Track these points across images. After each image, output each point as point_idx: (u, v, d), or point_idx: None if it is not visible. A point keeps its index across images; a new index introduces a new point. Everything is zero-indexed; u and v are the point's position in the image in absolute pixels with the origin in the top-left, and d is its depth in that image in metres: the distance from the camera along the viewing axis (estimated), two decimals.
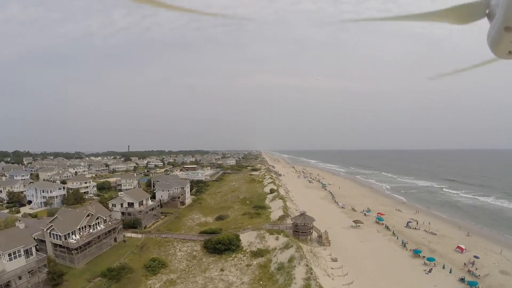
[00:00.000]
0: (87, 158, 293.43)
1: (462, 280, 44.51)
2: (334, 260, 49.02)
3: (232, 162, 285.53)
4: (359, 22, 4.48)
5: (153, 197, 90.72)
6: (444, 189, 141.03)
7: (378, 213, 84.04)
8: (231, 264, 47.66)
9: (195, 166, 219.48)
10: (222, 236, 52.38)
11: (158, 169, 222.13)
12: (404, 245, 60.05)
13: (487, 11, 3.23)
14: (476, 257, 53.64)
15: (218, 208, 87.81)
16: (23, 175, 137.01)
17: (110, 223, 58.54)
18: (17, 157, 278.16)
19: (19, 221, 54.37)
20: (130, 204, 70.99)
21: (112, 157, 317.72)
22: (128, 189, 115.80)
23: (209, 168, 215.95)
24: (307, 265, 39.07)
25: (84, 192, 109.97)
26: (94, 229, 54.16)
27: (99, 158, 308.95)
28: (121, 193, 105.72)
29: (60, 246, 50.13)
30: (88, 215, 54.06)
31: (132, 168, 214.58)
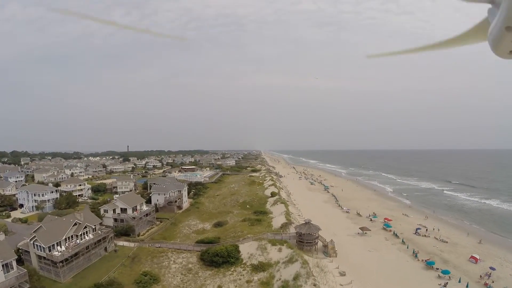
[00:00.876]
0: (85, 159, 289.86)
1: None
2: (343, 274, 44.94)
3: (231, 162, 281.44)
4: (382, 57, 4.27)
5: (149, 201, 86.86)
6: (448, 191, 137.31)
7: (385, 218, 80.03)
8: (230, 279, 43.52)
9: (193, 167, 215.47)
10: (220, 248, 48.13)
11: (157, 169, 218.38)
12: (415, 255, 56.22)
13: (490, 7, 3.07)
14: (492, 268, 50.69)
15: (217, 213, 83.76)
16: (17, 177, 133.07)
17: (100, 231, 54.52)
18: (14, 157, 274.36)
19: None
20: (123, 210, 66.98)
21: (110, 157, 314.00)
22: (124, 191, 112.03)
23: (208, 169, 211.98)
24: (314, 285, 34.96)
25: (78, 195, 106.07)
26: (82, 239, 50.13)
27: (98, 158, 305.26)
28: (116, 195, 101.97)
29: (44, 258, 46.23)
30: (75, 224, 49.98)
31: (130, 169, 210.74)
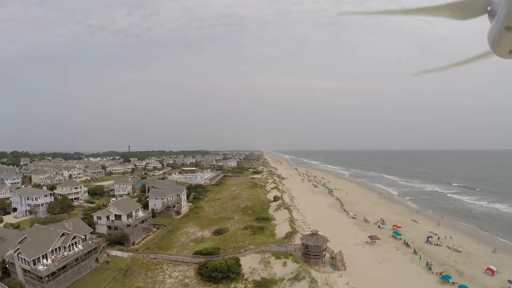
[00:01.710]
0: (85, 159, 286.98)
1: None
2: None
3: (233, 163, 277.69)
4: (359, 15, 4.15)
5: (146, 205, 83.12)
6: (452, 194, 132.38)
7: (394, 225, 75.90)
8: None
9: (194, 168, 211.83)
10: (220, 262, 44.15)
11: (157, 171, 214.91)
12: (429, 267, 52.20)
13: (488, 8, 3.12)
14: (510, 282, 46.79)
15: (217, 219, 79.84)
16: (14, 179, 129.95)
17: (90, 241, 50.79)
18: (14, 158, 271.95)
19: None
20: (117, 217, 63.26)
21: (111, 158, 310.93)
22: (122, 194, 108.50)
23: (209, 170, 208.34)
24: None
25: (74, 199, 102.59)
26: (70, 251, 46.45)
27: (98, 159, 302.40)
28: (113, 199, 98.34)
29: (29, 271, 42.59)
30: (63, 234, 46.31)
31: (130, 170, 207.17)
